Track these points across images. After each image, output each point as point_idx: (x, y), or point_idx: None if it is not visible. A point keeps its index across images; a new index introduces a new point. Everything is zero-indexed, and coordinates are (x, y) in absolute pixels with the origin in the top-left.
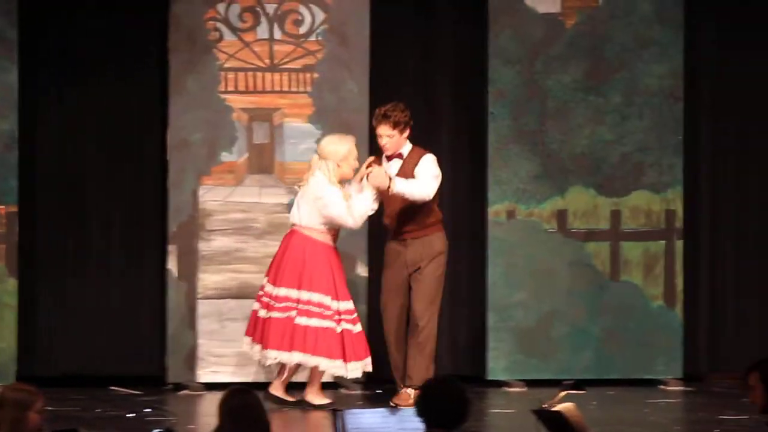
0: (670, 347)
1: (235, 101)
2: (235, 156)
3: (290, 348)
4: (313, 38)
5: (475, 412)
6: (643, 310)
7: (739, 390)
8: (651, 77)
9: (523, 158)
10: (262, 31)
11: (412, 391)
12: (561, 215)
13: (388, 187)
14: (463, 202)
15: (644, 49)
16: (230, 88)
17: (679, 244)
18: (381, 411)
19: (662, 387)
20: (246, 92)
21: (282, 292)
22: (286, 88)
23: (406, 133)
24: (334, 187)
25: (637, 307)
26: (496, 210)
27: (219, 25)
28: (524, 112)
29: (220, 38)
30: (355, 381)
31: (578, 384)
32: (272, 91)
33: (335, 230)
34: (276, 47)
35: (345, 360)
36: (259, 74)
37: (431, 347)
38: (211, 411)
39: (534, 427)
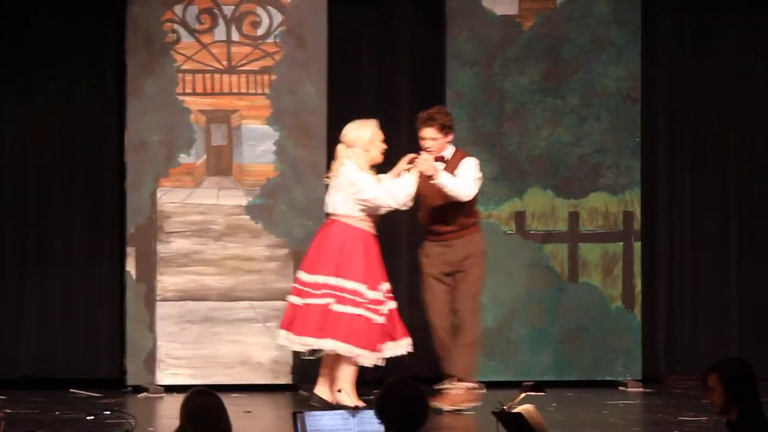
0: (629, 348)
1: (193, 103)
2: (193, 158)
3: (324, 335)
4: (270, 40)
5: (434, 414)
6: (602, 312)
7: (699, 391)
8: (608, 79)
9: (481, 160)
10: (220, 32)
11: (462, 387)
12: (519, 217)
13: (432, 176)
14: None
15: (602, 50)
16: (188, 90)
17: (637, 246)
18: (341, 413)
19: (621, 388)
20: (204, 94)
21: (320, 279)
22: (244, 90)
23: (450, 137)
24: (366, 172)
25: (595, 309)
26: None
27: (176, 26)
28: (482, 114)
29: (178, 40)
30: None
31: (538, 385)
32: (230, 93)
33: (374, 216)
34: (234, 49)
35: (370, 350)
36: (217, 76)
37: (478, 347)
38: (170, 413)
39: (494, 428)
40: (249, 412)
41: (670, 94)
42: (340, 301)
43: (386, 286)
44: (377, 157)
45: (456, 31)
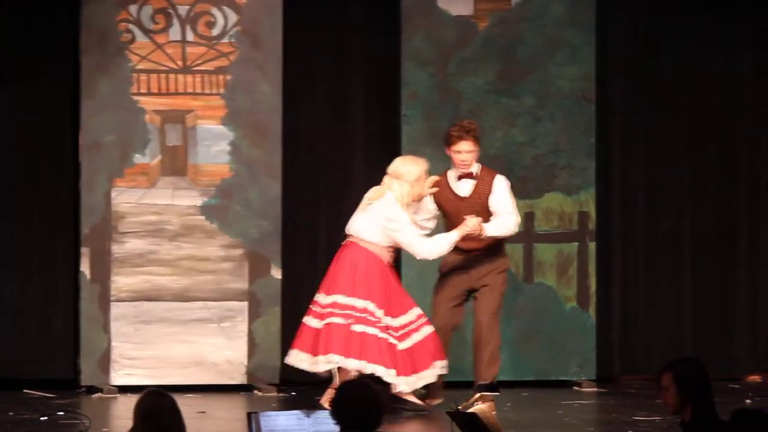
0: (584, 349)
1: (148, 103)
2: (147, 158)
3: (350, 354)
4: (225, 40)
5: (389, 415)
6: (557, 312)
7: (653, 391)
8: (563, 79)
9: (437, 160)
10: (175, 32)
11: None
12: None
13: (479, 234)
14: None
15: (556, 51)
16: (143, 90)
17: (591, 246)
18: (296, 413)
19: (576, 388)
20: (159, 94)
21: (340, 299)
22: (199, 90)
23: (479, 149)
24: (405, 211)
25: (550, 309)
26: None
27: (131, 26)
28: (437, 114)
29: (132, 40)
30: (270, 383)
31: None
32: (185, 93)
33: (395, 249)
34: (189, 49)
35: (397, 373)
36: (172, 76)
37: (498, 357)
38: (124, 414)
39: (449, 428)
40: (203, 412)
41: (624, 94)
42: (361, 321)
43: (416, 312)
44: (419, 196)
45: (411, 31)
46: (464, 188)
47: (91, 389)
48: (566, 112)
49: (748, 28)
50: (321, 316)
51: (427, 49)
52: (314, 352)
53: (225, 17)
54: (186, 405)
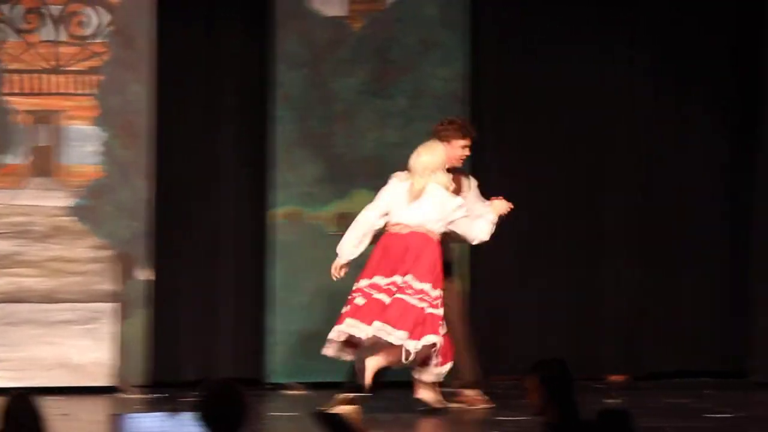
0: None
1: (19, 103)
2: (17, 159)
3: (420, 335)
4: (98, 40)
5: (254, 416)
6: None
7: (519, 391)
8: (436, 80)
9: (309, 161)
10: (47, 32)
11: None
12: (346, 218)
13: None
14: (247, 204)
15: (430, 51)
16: (13, 90)
17: (465, 246)
18: (160, 415)
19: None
20: (29, 94)
21: (417, 285)
22: (70, 90)
23: None
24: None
25: None
26: (280, 212)
27: (2, 26)
28: (310, 116)
29: (4, 39)
30: (136, 385)
31: (359, 387)
32: (56, 93)
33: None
34: (61, 49)
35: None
36: (44, 76)
37: None
38: None
39: (313, 430)
40: (66, 414)
41: (497, 94)
42: (435, 306)
43: None
44: None
45: (284, 32)
46: None
47: None
48: (440, 113)
49: (622, 26)
50: (389, 292)
51: (300, 49)
52: (386, 322)
53: (98, 17)
54: (49, 407)
